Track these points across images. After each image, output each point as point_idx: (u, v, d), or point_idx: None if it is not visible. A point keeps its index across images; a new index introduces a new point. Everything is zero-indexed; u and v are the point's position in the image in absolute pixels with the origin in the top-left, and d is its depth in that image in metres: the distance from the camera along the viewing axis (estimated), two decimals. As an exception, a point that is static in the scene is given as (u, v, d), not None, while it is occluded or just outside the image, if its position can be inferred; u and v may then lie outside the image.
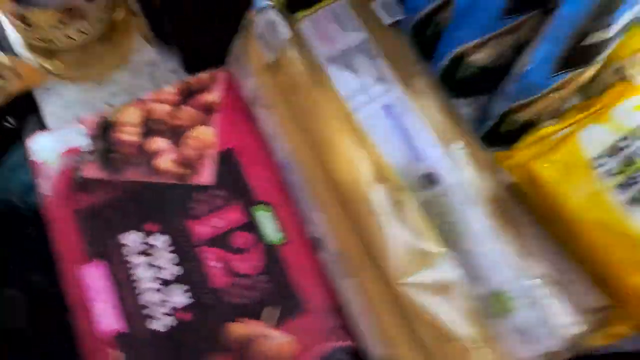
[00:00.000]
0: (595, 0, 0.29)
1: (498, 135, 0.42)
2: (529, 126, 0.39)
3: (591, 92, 0.39)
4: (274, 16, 0.38)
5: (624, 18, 0.31)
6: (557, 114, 0.38)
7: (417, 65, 0.41)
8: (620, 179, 0.33)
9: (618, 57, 0.38)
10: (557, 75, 0.34)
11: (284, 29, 0.38)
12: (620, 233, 0.32)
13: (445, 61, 0.42)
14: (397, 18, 0.42)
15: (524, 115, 0.39)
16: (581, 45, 0.32)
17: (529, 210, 0.36)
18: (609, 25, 0.31)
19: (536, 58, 0.34)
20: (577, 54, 0.33)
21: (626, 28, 0.33)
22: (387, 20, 0.42)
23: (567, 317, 0.33)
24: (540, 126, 0.38)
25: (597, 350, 0.35)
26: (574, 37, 0.31)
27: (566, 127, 0.37)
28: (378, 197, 0.34)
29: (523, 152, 0.36)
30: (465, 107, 0.45)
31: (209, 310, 0.35)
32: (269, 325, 0.34)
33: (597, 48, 0.33)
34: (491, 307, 0.33)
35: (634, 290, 0.32)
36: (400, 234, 0.33)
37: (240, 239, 0.37)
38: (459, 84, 0.43)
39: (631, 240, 0.32)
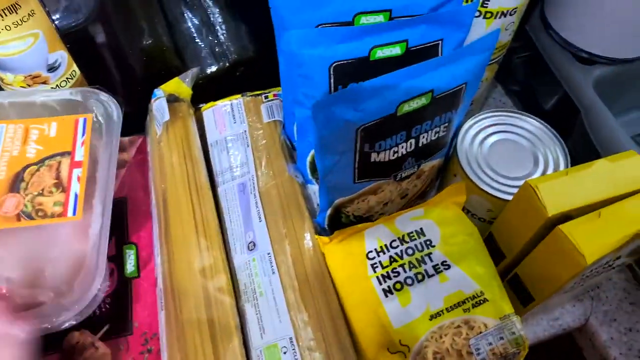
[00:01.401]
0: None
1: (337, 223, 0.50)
2: (357, 218, 0.48)
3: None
4: (163, 103, 0.50)
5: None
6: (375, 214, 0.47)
7: (280, 153, 0.51)
8: (383, 271, 0.41)
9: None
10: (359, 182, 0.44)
11: (166, 114, 0.50)
12: (373, 315, 0.40)
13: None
14: (275, 119, 0.53)
15: (349, 210, 0.48)
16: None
17: (330, 284, 0.44)
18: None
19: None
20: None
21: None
22: (267, 119, 0.53)
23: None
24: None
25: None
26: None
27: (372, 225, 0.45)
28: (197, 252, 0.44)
29: (331, 238, 0.45)
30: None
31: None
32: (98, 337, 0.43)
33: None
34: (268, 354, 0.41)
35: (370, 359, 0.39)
36: (202, 282, 0.42)
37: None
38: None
39: (380, 322, 0.40)
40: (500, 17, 0.46)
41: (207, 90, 0.57)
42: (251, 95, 0.55)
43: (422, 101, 0.39)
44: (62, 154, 0.41)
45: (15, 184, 0.40)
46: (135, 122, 0.54)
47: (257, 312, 0.42)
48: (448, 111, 0.42)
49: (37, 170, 0.39)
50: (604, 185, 0.38)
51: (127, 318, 0.44)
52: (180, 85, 0.52)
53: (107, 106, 0.44)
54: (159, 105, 0.50)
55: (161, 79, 0.54)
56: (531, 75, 0.62)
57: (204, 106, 0.55)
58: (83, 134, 0.41)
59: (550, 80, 0.56)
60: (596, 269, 0.40)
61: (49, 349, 0.42)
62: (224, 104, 0.54)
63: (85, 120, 0.43)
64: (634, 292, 0.52)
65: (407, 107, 0.39)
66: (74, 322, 0.38)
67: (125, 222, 0.49)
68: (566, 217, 0.37)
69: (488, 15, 0.46)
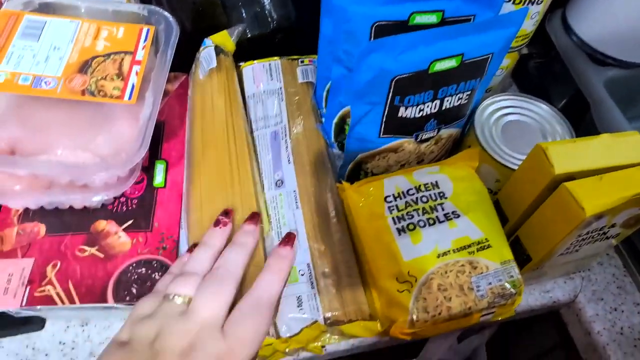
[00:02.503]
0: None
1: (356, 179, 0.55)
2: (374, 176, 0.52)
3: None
4: (211, 51, 0.55)
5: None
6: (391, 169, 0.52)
7: (310, 110, 0.55)
8: (398, 213, 0.45)
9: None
10: (384, 137, 0.48)
11: (213, 61, 0.54)
12: (386, 248, 0.44)
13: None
14: (309, 80, 0.57)
15: (369, 167, 0.52)
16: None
17: (345, 225, 0.48)
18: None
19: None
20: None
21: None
22: (301, 79, 0.57)
23: (331, 302, 0.44)
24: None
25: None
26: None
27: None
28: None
29: (351, 185, 0.49)
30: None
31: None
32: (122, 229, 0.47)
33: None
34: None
35: (382, 289, 0.43)
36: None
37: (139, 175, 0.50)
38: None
39: (391, 255, 0.43)
40: (528, 4, 0.51)
41: (247, 51, 0.61)
42: (288, 59, 0.60)
43: (452, 63, 0.44)
44: (126, 53, 0.47)
45: (84, 68, 0.45)
46: (179, 70, 0.59)
47: (280, 240, 0.46)
48: (472, 79, 0.47)
49: (104, 61, 0.45)
50: (607, 155, 0.42)
51: (149, 218, 0.48)
52: (227, 39, 0.57)
53: (167, 24, 0.50)
54: (206, 53, 0.55)
55: (206, 34, 0.58)
56: (545, 76, 0.67)
57: (243, 64, 0.60)
58: (145, 41, 0.47)
59: (564, 79, 0.61)
60: (592, 234, 0.44)
61: (79, 229, 0.47)
62: (262, 63, 0.59)
63: (148, 30, 0.49)
64: (621, 278, 0.55)
65: (438, 66, 0.43)
66: (109, 196, 0.45)
67: (160, 141, 0.54)
68: (570, 177, 0.41)
69: (517, 0, 0.51)
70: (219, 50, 0.57)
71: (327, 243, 0.46)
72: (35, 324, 0.46)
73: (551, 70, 0.67)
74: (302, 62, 0.60)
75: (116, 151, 0.43)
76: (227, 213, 0.46)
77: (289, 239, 0.44)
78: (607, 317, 0.53)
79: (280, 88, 0.57)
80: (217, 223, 0.44)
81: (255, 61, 0.59)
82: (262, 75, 0.58)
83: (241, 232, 0.44)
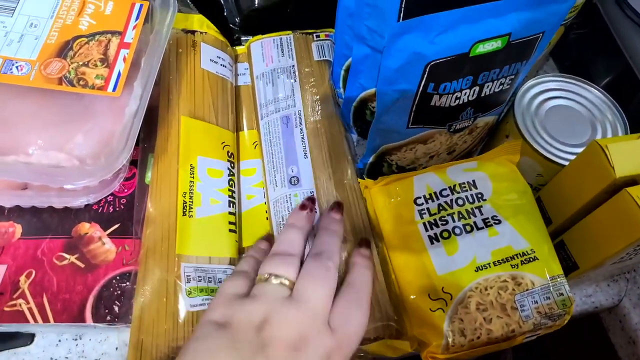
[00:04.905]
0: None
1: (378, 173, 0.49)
2: (399, 169, 0.46)
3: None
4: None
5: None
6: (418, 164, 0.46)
7: (328, 92, 0.49)
8: (430, 218, 0.40)
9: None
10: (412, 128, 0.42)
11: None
12: (416, 260, 0.39)
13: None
14: (325, 58, 0.51)
15: (393, 159, 0.46)
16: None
17: (369, 230, 0.42)
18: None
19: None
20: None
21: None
22: (317, 57, 0.51)
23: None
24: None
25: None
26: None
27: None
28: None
29: (376, 182, 0.43)
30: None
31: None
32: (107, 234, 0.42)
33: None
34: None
35: (412, 306, 0.38)
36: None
37: (129, 171, 0.45)
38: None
39: (423, 268, 0.38)
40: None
41: (255, 24, 0.55)
42: (302, 33, 0.53)
43: (497, 44, 0.37)
44: (113, 33, 0.40)
45: (64, 50, 0.38)
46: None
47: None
48: (518, 61, 0.40)
49: (87, 43, 0.38)
50: (676, 154, 0.36)
51: (138, 222, 0.42)
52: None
53: (165, 0, 0.42)
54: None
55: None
56: (587, 50, 0.60)
57: (251, 39, 0.53)
58: (137, 19, 0.40)
59: (611, 54, 0.54)
60: (651, 243, 0.38)
61: (59, 232, 0.41)
62: (273, 38, 0.52)
63: (141, 6, 0.41)
64: (670, 280, 0.50)
65: (481, 49, 0.37)
66: (90, 201, 0.39)
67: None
68: (632, 181, 0.36)
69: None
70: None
71: (351, 249, 0.41)
72: (22, 338, 0.41)
73: (594, 43, 0.59)
74: (317, 36, 0.53)
75: (96, 152, 0.36)
76: (312, 200, 0.41)
77: (366, 242, 0.40)
78: (654, 324, 0.48)
79: (293, 66, 0.50)
80: (303, 207, 0.40)
81: (265, 36, 0.53)
82: (273, 52, 0.51)
83: (330, 219, 0.39)
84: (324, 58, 0.51)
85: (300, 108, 0.47)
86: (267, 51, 0.52)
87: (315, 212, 0.41)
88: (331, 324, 0.32)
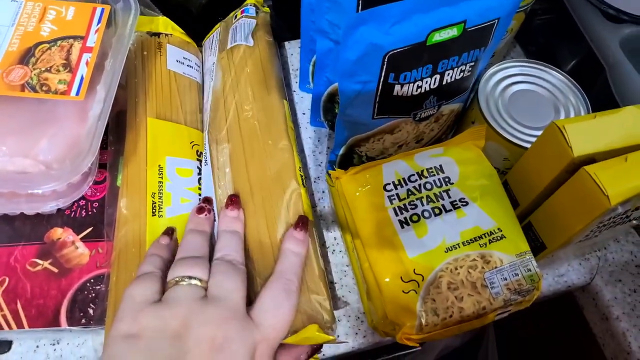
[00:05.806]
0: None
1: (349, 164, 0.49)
2: (370, 159, 0.47)
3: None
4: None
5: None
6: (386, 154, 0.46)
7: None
8: (400, 203, 0.40)
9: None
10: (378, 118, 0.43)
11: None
12: (386, 243, 0.39)
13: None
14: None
15: (363, 150, 0.47)
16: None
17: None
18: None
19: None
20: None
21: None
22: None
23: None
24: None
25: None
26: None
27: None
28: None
29: (346, 172, 0.44)
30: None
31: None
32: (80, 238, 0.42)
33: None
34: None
35: (386, 291, 0.39)
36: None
37: (100, 174, 0.45)
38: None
39: (394, 252, 0.39)
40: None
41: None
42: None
43: (453, 32, 0.38)
44: (75, 38, 0.40)
45: (26, 57, 0.39)
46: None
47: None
48: (476, 48, 0.41)
49: (49, 48, 0.39)
50: (631, 132, 0.37)
51: (111, 224, 0.43)
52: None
53: (125, 2, 0.43)
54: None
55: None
56: (552, 35, 0.61)
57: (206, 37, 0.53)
58: (98, 23, 0.41)
59: (574, 39, 0.55)
60: (614, 219, 0.39)
61: (31, 239, 0.41)
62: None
63: (102, 10, 0.42)
64: (640, 255, 0.51)
65: (437, 37, 0.37)
66: (60, 205, 0.39)
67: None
68: (591, 159, 0.37)
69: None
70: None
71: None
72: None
73: (558, 28, 0.61)
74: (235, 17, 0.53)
75: (62, 156, 0.37)
76: (208, 200, 0.42)
77: (303, 223, 0.40)
78: (626, 300, 0.49)
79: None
80: (201, 210, 0.40)
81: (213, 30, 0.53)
82: (214, 46, 0.52)
83: (227, 218, 0.40)
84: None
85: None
86: (212, 46, 0.52)
87: (212, 212, 0.41)
88: (254, 316, 0.32)
